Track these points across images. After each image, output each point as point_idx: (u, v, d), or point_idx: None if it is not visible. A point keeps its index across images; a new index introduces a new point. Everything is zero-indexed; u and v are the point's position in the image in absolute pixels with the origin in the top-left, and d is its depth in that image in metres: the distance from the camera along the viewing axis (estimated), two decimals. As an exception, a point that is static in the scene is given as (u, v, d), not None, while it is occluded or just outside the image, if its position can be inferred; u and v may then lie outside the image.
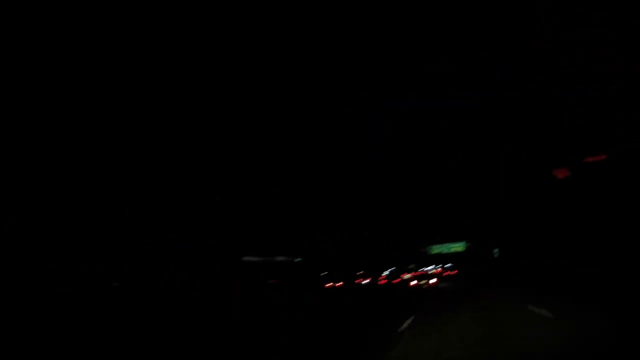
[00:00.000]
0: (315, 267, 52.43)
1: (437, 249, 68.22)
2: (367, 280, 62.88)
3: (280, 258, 43.01)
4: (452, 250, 67.57)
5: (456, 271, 67.45)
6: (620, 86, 16.26)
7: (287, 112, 20.35)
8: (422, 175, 33.88)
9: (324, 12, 13.17)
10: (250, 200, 32.37)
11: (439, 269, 69.28)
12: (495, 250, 54.58)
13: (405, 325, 11.95)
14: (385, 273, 70.09)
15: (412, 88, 18.34)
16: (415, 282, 49.90)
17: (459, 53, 15.67)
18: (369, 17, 13.64)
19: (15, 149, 16.52)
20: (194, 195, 26.51)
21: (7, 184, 17.49)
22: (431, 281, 48.90)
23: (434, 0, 13.01)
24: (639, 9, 11.67)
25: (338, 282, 56.76)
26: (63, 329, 15.99)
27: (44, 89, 14.57)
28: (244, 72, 16.52)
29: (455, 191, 39.91)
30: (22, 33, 11.96)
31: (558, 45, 14.36)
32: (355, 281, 62.37)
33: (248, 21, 13.47)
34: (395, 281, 60.94)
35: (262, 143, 23.37)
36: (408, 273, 69.62)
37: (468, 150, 25.38)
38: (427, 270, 68.38)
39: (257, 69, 16.31)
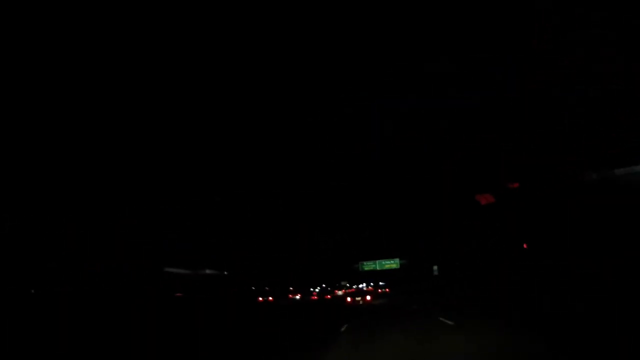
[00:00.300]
0: (244, 281, 51.19)
1: (369, 265, 64.90)
2: (298, 297, 62.56)
3: (209, 271, 41.98)
4: (386, 267, 64.52)
5: (388, 290, 65.26)
6: (621, 86, 16.27)
7: (287, 112, 20.35)
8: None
9: (324, 11, 13.16)
10: (251, 200, 32.32)
11: (371, 287, 67.01)
12: (435, 267, 49.90)
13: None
14: (316, 290, 69.52)
15: (412, 88, 18.36)
16: (349, 299, 49.55)
17: (459, 53, 15.68)
18: (369, 17, 13.63)
19: (15, 149, 16.51)
20: (194, 195, 26.48)
21: (7, 184, 17.47)
22: (367, 297, 48.21)
23: (434, 0, 13.01)
24: (639, 9, 11.67)
25: (269, 297, 56.53)
26: (63, 329, 15.97)
27: (44, 89, 14.56)
28: (244, 72, 16.51)
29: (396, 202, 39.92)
30: (22, 33, 11.95)
31: (558, 45, 14.37)
32: (289, 296, 62.01)
33: (247, 21, 13.46)
34: (327, 297, 60.58)
35: (262, 143, 23.36)
36: (339, 290, 68.61)
37: (468, 150, 25.43)
38: (360, 288, 66.40)
39: (257, 69, 16.31)
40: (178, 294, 29.78)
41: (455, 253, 41.51)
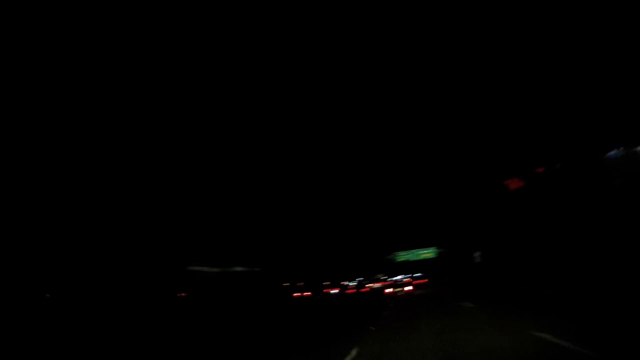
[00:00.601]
0: (276, 277, 50.37)
1: (403, 256, 60.88)
2: (335, 291, 62.01)
3: (239, 268, 41.15)
4: (421, 257, 60.26)
5: (426, 280, 60.87)
6: (619, 85, 16.29)
7: (287, 112, 20.37)
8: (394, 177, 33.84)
9: (324, 13, 13.19)
10: (282, 197, 32.27)
11: (408, 279, 65.47)
12: (477, 254, 43.24)
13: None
14: (353, 283, 68.80)
15: (412, 88, 18.40)
16: (387, 290, 48.70)
17: (459, 53, 15.73)
18: (369, 17, 13.67)
19: (15, 149, 16.49)
20: (194, 195, 26.45)
21: (7, 184, 17.45)
22: (407, 288, 47.17)
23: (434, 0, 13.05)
24: (639, 8, 11.70)
25: (304, 292, 56.01)
26: (63, 329, 15.99)
27: (45, 90, 14.54)
28: (244, 72, 16.53)
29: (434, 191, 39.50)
30: (23, 34, 11.95)
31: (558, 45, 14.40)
32: (324, 290, 61.50)
33: (249, 24, 13.49)
34: (362, 290, 59.92)
35: (262, 143, 23.37)
36: (376, 283, 67.73)
37: (468, 150, 25.43)
38: (396, 280, 64.82)
39: (256, 69, 16.33)
40: (182, 294, 28.83)
41: (498, 238, 35.02)
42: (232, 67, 16.09)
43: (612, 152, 18.91)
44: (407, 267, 65.70)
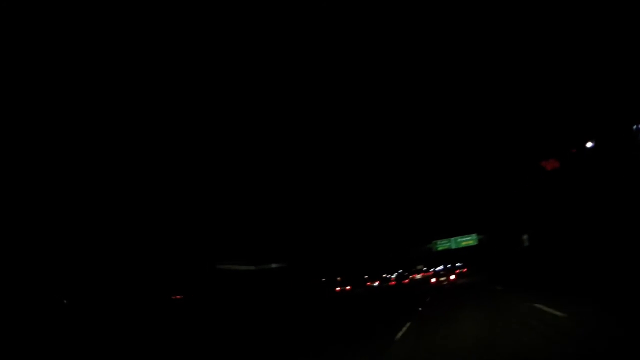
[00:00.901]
0: (309, 273, 50.10)
1: (443, 244, 57.52)
2: (376, 284, 62.45)
3: (274, 265, 40.78)
4: (462, 244, 56.56)
5: (465, 269, 61.10)
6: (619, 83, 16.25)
7: (288, 113, 20.37)
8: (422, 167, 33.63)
9: (326, 16, 13.18)
10: (287, 199, 32.21)
11: (449, 269, 64.13)
12: (525, 237, 38.11)
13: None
14: (393, 275, 68.87)
15: (414, 88, 18.42)
16: (433, 279, 49.82)
17: (460, 54, 15.71)
18: (370, 19, 13.65)
19: (16, 149, 16.49)
20: (194, 195, 26.43)
21: (7, 184, 17.45)
22: (451, 277, 49.20)
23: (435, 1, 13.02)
24: (639, 9, 11.67)
25: (346, 287, 56.32)
26: (64, 331, 16.03)
27: (45, 91, 14.52)
28: (244, 75, 16.52)
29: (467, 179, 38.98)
30: (25, 36, 11.91)
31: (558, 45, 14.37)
32: (367, 284, 61.90)
33: (249, 25, 13.48)
34: (404, 282, 60.36)
35: (263, 144, 23.38)
36: (417, 274, 68.03)
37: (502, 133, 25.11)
38: (437, 271, 64.23)
39: (257, 72, 16.32)
40: (177, 296, 28.39)
41: (547, 218, 30.45)
42: (243, 68, 16.10)
43: None
44: (447, 256, 64.10)
